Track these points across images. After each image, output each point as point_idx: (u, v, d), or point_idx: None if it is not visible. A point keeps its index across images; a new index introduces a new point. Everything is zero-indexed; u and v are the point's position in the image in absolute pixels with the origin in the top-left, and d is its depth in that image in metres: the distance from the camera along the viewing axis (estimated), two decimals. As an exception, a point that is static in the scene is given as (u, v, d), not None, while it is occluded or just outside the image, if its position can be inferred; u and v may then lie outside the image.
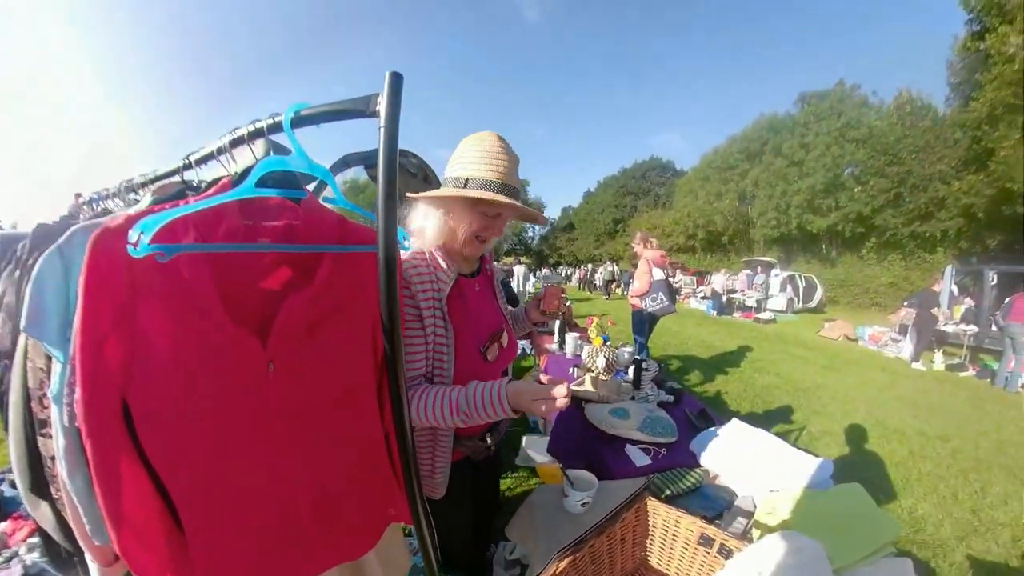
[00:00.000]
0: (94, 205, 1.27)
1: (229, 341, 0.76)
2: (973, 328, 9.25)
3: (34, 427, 0.87)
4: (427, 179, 2.54)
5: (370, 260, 0.73)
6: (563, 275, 36.54)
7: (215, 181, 0.85)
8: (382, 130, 0.65)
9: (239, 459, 0.80)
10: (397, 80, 0.65)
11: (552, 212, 69.27)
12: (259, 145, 0.85)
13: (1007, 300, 7.46)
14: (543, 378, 1.10)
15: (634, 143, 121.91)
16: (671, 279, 5.23)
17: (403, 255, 1.18)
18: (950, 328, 9.38)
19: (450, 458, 1.29)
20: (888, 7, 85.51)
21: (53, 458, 0.82)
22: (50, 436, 0.82)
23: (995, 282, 10.59)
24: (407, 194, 1.23)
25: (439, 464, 1.28)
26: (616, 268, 24.08)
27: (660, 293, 5.12)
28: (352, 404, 0.97)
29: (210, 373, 0.75)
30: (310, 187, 0.98)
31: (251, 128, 0.81)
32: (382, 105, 0.65)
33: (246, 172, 0.82)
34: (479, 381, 1.14)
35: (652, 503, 1.27)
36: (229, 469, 0.79)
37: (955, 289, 11.05)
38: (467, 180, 1.14)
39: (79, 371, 0.63)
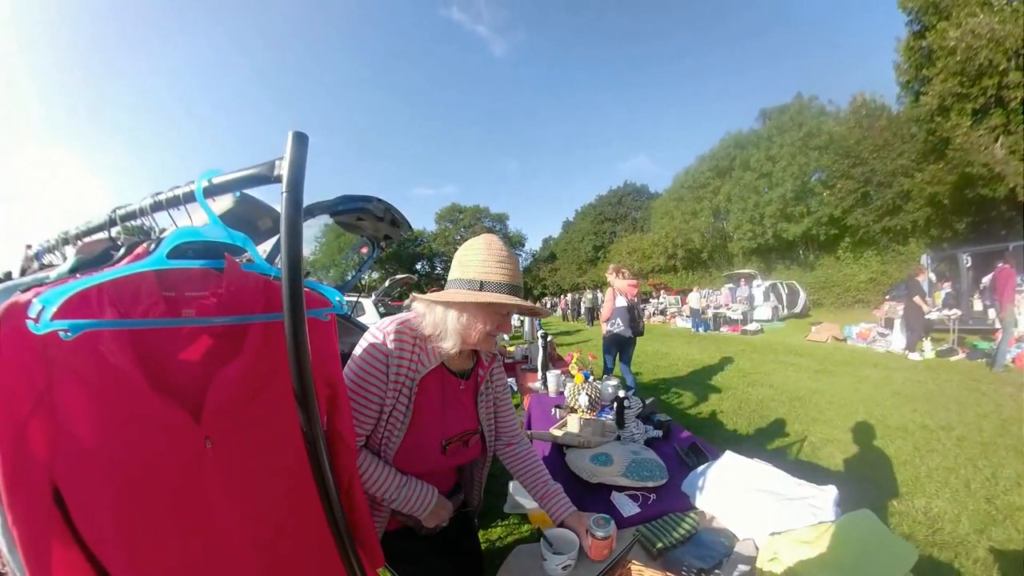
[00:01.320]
0: (40, 258, 1.24)
1: (158, 420, 0.73)
2: (956, 312, 9.37)
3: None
4: (395, 222, 2.52)
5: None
6: (547, 305, 36.55)
7: (132, 247, 0.81)
8: (284, 196, 0.61)
9: (181, 537, 0.76)
10: (300, 140, 0.62)
11: (533, 243, 70.09)
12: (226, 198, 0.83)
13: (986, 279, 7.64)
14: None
15: (607, 169, 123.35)
16: (637, 306, 5.71)
17: (395, 327, 1.25)
18: (934, 315, 9.47)
19: (384, 526, 1.35)
20: (835, 18, 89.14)
21: None
22: None
23: (970, 264, 10.82)
24: (415, 295, 1.31)
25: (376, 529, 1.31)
26: (600, 295, 24.18)
27: (619, 319, 5.60)
28: (296, 471, 0.91)
29: (141, 454, 0.71)
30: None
31: (169, 195, 0.79)
32: (284, 169, 0.61)
33: (160, 241, 0.78)
34: (418, 482, 1.30)
35: (637, 569, 1.14)
36: (171, 548, 0.76)
37: (933, 276, 11.25)
38: (482, 283, 1.21)
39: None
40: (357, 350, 1.24)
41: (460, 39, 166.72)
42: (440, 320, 1.25)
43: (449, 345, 1.25)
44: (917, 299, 8.65)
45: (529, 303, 1.31)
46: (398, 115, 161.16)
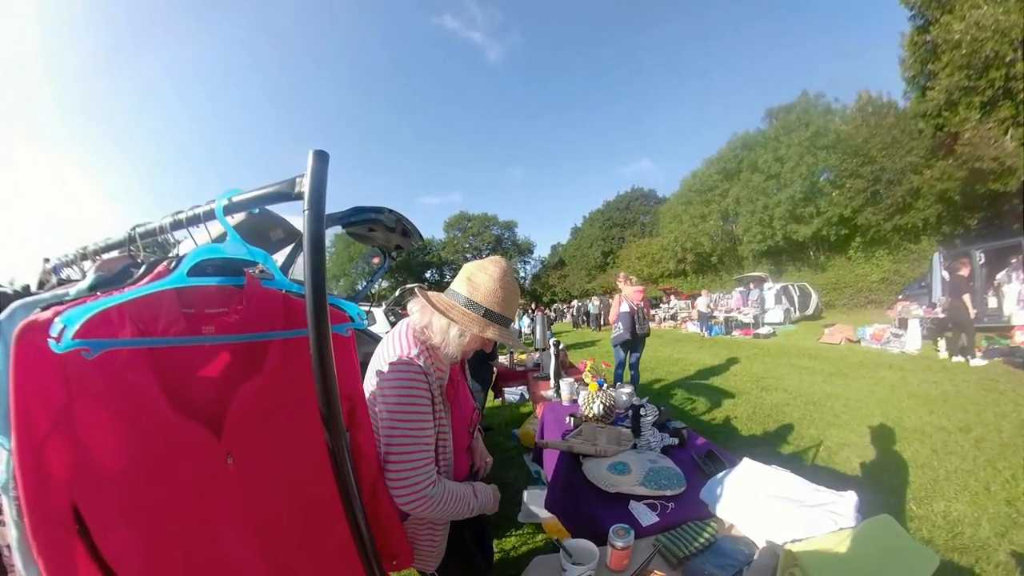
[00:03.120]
0: (58, 272, 1.26)
1: (179, 437, 0.73)
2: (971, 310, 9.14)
3: (-13, 514, 0.84)
4: (406, 232, 2.53)
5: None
6: (557, 312, 36.53)
7: (152, 266, 0.82)
8: (306, 213, 0.62)
9: (202, 553, 0.77)
10: (321, 158, 0.63)
11: (542, 250, 69.94)
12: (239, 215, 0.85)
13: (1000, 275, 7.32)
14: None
15: (610, 173, 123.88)
16: (641, 310, 6.18)
17: (416, 348, 1.28)
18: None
19: (448, 525, 1.43)
20: (836, 15, 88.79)
21: (9, 547, 0.78)
22: (3, 524, 0.79)
23: (983, 260, 10.63)
24: (419, 289, 1.40)
25: (438, 534, 1.40)
26: (608, 301, 24.31)
27: (620, 323, 6.11)
28: (316, 485, 0.92)
29: (162, 471, 0.72)
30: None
31: (189, 214, 0.80)
32: (305, 186, 0.62)
33: (181, 259, 0.79)
34: (478, 484, 1.44)
35: None
36: (192, 563, 0.76)
37: (946, 274, 11.07)
38: (486, 311, 1.29)
39: (19, 476, 0.59)
40: (393, 387, 1.23)
41: (454, 45, 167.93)
42: (443, 331, 1.29)
43: (451, 354, 1.32)
44: (967, 298, 7.80)
45: (516, 339, 1.44)
46: (400, 124, 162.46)
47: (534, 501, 2.75)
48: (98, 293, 0.74)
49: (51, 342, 0.60)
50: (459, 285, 1.34)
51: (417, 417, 1.22)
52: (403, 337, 1.31)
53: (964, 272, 8.20)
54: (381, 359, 1.29)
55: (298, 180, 0.64)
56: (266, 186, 0.70)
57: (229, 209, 0.76)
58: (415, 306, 1.35)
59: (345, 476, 0.70)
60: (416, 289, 1.40)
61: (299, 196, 0.64)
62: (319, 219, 0.62)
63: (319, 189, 0.62)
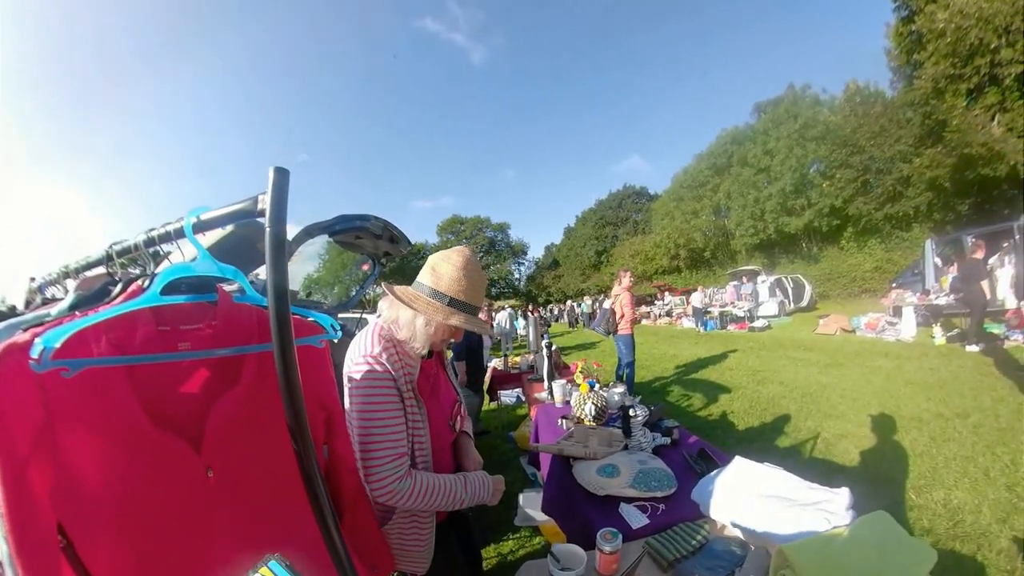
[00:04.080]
0: (43, 291, 1.27)
1: (159, 452, 0.74)
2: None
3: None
4: (393, 239, 2.51)
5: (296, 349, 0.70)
6: (552, 313, 36.56)
7: (127, 283, 0.82)
8: (267, 230, 0.61)
9: (186, 566, 0.78)
10: (282, 175, 0.62)
11: (536, 251, 69.62)
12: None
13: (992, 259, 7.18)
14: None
15: (601, 171, 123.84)
16: (609, 306, 6.31)
17: (379, 346, 1.28)
18: (942, 300, 9.34)
19: (434, 525, 1.42)
20: (822, 8, 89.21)
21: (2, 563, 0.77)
22: None
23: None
24: (386, 285, 1.40)
25: (424, 533, 1.39)
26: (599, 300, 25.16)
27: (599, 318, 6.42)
28: (297, 496, 0.91)
29: (144, 486, 0.72)
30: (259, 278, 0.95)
31: (162, 231, 0.81)
32: (267, 203, 0.61)
33: (154, 278, 0.79)
34: (471, 474, 1.43)
35: None
36: None
37: (939, 261, 11.12)
38: (450, 299, 1.31)
39: (2, 496, 0.59)
40: (358, 387, 1.25)
41: (437, 48, 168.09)
42: (409, 323, 1.31)
43: (418, 347, 1.33)
44: (984, 284, 7.48)
45: (484, 320, 1.44)
46: (387, 129, 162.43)
47: (530, 504, 2.74)
48: (77, 313, 0.74)
49: (31, 363, 0.61)
50: (424, 276, 1.37)
51: (380, 413, 1.23)
52: (368, 336, 1.32)
53: (979, 255, 7.91)
54: (349, 359, 1.31)
55: (260, 197, 0.63)
56: (230, 204, 0.69)
57: (198, 227, 0.75)
58: (384, 303, 1.38)
59: (316, 490, 0.69)
60: (383, 285, 1.41)
61: (261, 213, 0.63)
62: (279, 237, 0.61)
63: (280, 207, 0.61)
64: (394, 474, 1.21)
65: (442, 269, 1.34)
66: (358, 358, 1.27)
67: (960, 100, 16.00)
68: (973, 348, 7.28)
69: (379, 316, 1.38)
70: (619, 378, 6.33)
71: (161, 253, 0.91)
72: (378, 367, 1.25)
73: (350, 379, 1.26)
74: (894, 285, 12.33)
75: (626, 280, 6.24)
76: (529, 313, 8.22)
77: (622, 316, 6.12)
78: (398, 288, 1.37)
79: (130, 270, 0.97)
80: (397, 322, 1.33)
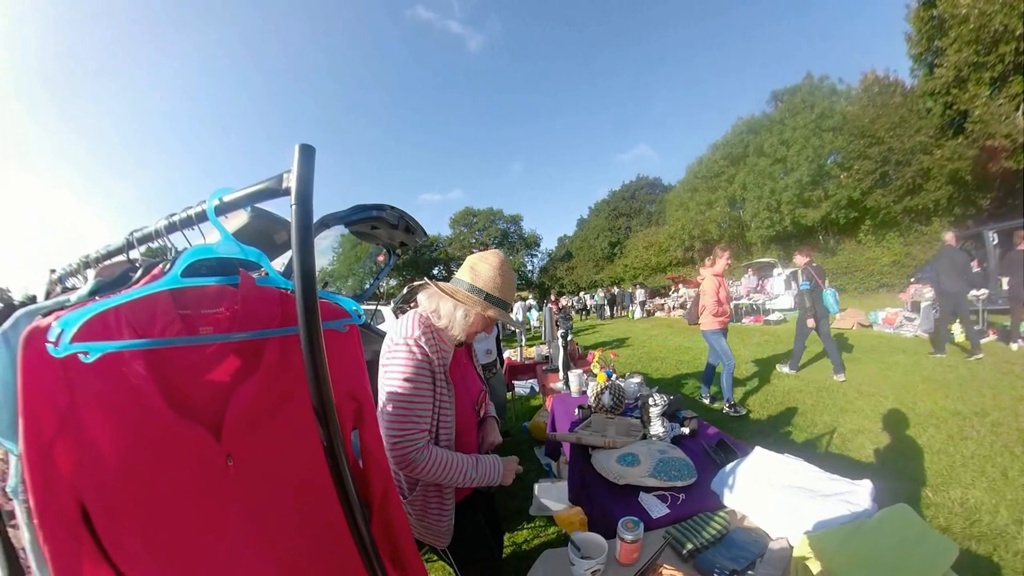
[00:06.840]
0: (64, 282, 1.27)
1: (178, 438, 0.73)
2: (984, 291, 8.90)
3: (2, 518, 0.88)
4: (409, 229, 2.51)
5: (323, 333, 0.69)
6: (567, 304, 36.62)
7: (148, 268, 0.82)
8: (293, 208, 0.60)
9: (205, 553, 0.77)
10: (307, 152, 0.61)
11: (548, 243, 69.20)
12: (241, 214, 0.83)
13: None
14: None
15: (614, 162, 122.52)
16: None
17: (420, 331, 1.42)
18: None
19: (454, 500, 1.52)
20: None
21: (24, 549, 0.79)
22: (18, 527, 0.81)
23: (996, 241, 10.42)
24: (429, 281, 1.55)
25: (447, 507, 1.50)
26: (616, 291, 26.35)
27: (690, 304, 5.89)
28: (319, 486, 0.91)
29: (164, 472, 0.72)
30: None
31: (183, 215, 0.80)
32: (292, 181, 0.60)
33: (174, 260, 0.79)
34: (484, 456, 1.51)
35: (668, 571, 1.13)
36: (196, 564, 0.76)
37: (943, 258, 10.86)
38: (487, 295, 1.49)
39: (28, 478, 0.60)
40: (395, 362, 1.38)
41: (432, 37, 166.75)
42: (449, 313, 1.49)
43: (456, 334, 1.50)
44: None
45: (515, 319, 1.62)
46: (391, 124, 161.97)
47: (545, 494, 2.73)
48: (96, 297, 0.73)
49: (49, 346, 0.61)
50: (463, 274, 1.54)
51: (412, 388, 1.36)
52: (409, 321, 1.45)
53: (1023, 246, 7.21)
54: (388, 340, 1.45)
55: (285, 176, 0.62)
56: (254, 183, 0.68)
57: (221, 209, 0.74)
58: (424, 295, 1.55)
59: (342, 472, 0.68)
60: (427, 280, 1.58)
61: (286, 192, 0.62)
62: (307, 214, 0.61)
63: (306, 184, 0.60)
64: (414, 445, 1.32)
65: (480, 268, 1.52)
66: (399, 339, 1.41)
67: (983, 89, 15.56)
68: (1017, 345, 6.82)
69: (414, 306, 1.52)
70: (705, 381, 5.87)
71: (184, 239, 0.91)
72: (416, 348, 1.39)
73: (388, 356, 1.41)
74: (913, 280, 12.10)
75: (721, 262, 5.34)
76: (548, 305, 8.06)
77: (703, 308, 5.35)
78: (441, 283, 1.52)
79: (147, 258, 0.96)
80: (437, 312, 1.49)
